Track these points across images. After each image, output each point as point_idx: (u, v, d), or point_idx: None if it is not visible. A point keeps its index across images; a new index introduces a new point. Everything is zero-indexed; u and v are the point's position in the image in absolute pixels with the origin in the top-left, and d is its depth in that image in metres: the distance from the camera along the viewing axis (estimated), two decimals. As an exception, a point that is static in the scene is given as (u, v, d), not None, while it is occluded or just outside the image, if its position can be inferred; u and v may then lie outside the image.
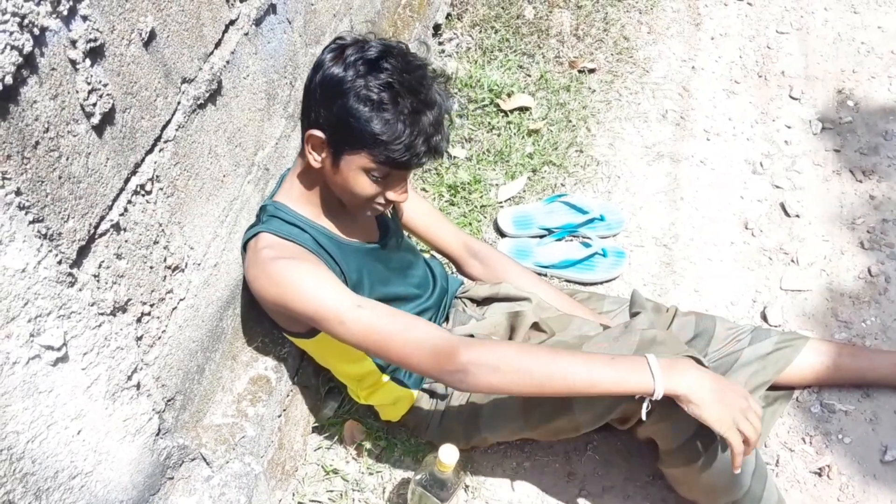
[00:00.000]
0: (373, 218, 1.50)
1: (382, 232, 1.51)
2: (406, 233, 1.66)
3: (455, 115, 2.32)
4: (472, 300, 1.64)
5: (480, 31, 2.62)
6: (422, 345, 1.20)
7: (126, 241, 1.05)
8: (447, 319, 1.61)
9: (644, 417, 1.18)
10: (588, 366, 1.15)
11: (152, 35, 1.05)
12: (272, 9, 1.45)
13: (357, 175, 1.25)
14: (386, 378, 1.52)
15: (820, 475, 1.60)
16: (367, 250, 1.43)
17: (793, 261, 1.99)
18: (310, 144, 1.27)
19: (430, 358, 1.19)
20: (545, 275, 1.98)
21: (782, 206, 2.12)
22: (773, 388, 1.62)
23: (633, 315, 1.46)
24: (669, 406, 1.18)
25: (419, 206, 1.66)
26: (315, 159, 1.28)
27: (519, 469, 1.63)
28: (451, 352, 1.17)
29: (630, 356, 1.18)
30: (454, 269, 1.77)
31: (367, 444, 1.66)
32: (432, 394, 1.57)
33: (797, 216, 2.09)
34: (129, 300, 1.07)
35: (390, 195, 1.30)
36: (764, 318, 1.87)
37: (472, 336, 1.48)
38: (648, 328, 1.33)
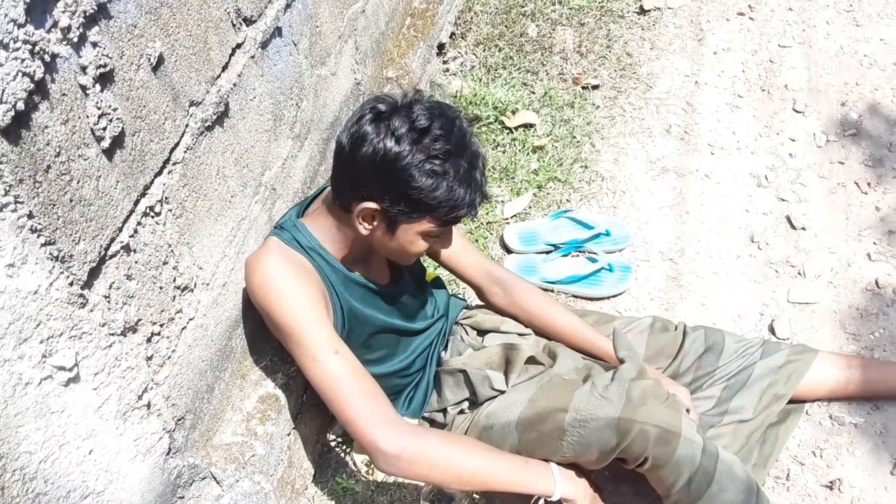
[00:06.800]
0: (385, 263, 1.51)
1: (395, 276, 1.52)
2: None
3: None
4: (473, 328, 1.64)
5: (484, 50, 2.64)
6: (371, 419, 1.23)
7: (136, 262, 1.06)
8: (446, 348, 1.62)
9: None
10: (507, 468, 1.32)
11: (160, 60, 1.07)
12: (278, 32, 1.48)
13: (415, 239, 1.32)
14: None
15: (831, 488, 1.59)
16: (373, 290, 1.44)
17: (799, 273, 1.99)
18: (360, 217, 1.29)
19: (371, 434, 1.23)
20: (552, 290, 1.98)
21: (788, 219, 2.12)
22: (783, 402, 1.62)
23: (620, 360, 1.45)
24: (662, 456, 1.27)
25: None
26: (365, 228, 1.31)
27: (528, 485, 1.62)
28: (391, 436, 1.22)
29: (539, 462, 1.36)
30: (474, 294, 1.74)
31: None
32: (432, 422, 1.58)
33: (803, 229, 2.09)
34: (140, 320, 1.08)
35: (439, 246, 1.41)
36: (772, 331, 1.87)
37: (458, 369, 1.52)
38: (636, 378, 1.33)
